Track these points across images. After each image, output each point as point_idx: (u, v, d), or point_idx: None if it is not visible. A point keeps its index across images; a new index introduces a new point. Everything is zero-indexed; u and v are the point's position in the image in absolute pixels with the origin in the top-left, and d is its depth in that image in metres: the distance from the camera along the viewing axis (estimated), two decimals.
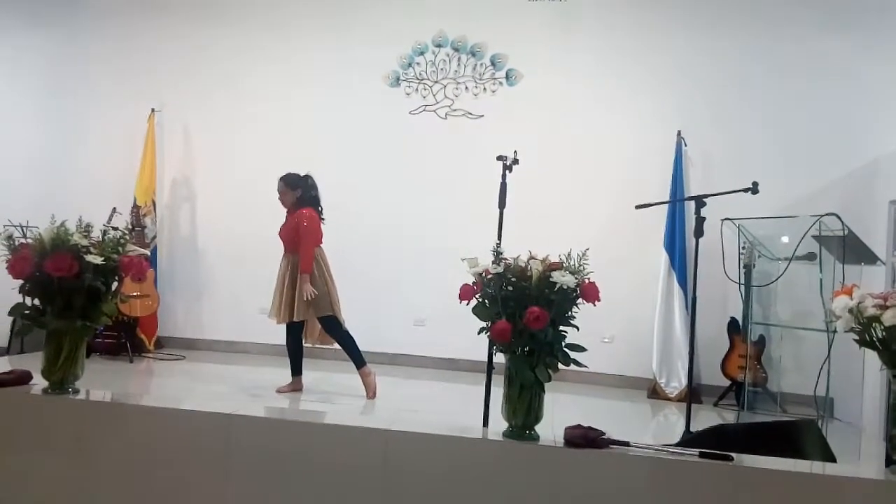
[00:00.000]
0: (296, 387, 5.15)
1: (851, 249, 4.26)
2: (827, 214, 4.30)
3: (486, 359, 3.27)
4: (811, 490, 1.78)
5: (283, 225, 5.12)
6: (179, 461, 2.02)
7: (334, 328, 5.03)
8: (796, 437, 2.19)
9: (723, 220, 4.93)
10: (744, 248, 5.35)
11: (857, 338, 1.88)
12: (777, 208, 5.22)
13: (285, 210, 5.15)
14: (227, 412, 2.04)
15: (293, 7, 6.82)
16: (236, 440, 2.00)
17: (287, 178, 5.11)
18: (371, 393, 5.03)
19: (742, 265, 5.37)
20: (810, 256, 4.67)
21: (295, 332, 5.10)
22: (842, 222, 4.23)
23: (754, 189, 3.96)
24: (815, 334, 4.60)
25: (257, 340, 6.64)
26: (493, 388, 3.11)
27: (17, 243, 2.14)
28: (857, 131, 5.70)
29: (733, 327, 5.65)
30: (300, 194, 5.07)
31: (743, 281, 5.38)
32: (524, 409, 1.92)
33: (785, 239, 5.06)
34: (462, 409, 4.84)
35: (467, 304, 1.97)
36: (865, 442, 4.58)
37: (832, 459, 2.12)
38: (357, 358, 5.05)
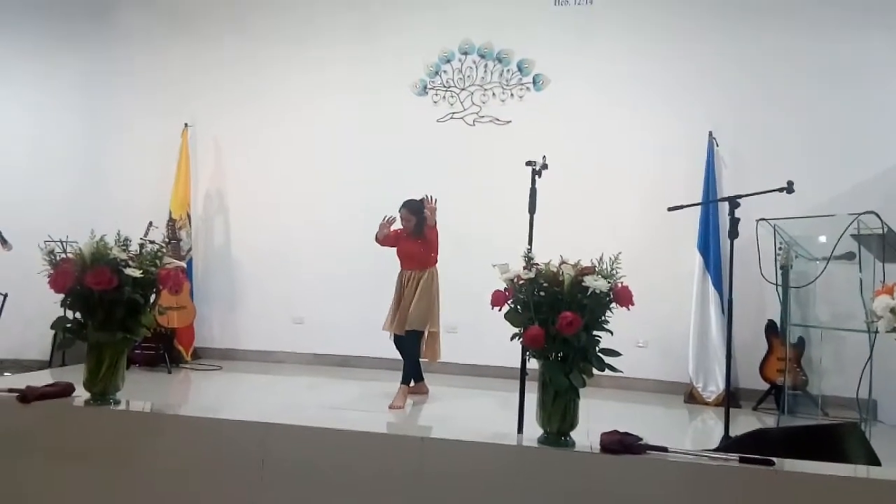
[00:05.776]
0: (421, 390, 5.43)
1: (892, 247, 4.17)
2: (865, 213, 4.21)
3: (518, 365, 3.25)
4: (855, 495, 1.74)
5: (409, 244, 5.24)
6: (218, 470, 2.04)
7: (414, 342, 5.16)
8: (839, 440, 2.14)
9: (758, 220, 4.86)
10: (780, 248, 5.25)
11: None
12: (813, 208, 5.11)
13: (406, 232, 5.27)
14: (264, 421, 2.07)
15: (319, 19, 6.90)
16: (273, 449, 2.02)
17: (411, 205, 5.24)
18: (396, 403, 4.96)
19: (779, 266, 5.27)
20: (849, 256, 4.57)
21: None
22: (881, 220, 4.13)
23: (789, 188, 3.87)
24: (856, 335, 4.49)
25: (291, 350, 6.73)
26: (526, 395, 3.09)
27: (58, 258, 2.19)
28: (894, 127, 5.56)
29: (771, 329, 5.54)
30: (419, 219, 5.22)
31: (780, 282, 5.28)
32: (559, 415, 1.90)
33: (822, 238, 4.96)
34: (496, 416, 4.86)
35: (499, 310, 1.97)
36: None
37: (877, 463, 2.06)
38: (413, 376, 5.23)
